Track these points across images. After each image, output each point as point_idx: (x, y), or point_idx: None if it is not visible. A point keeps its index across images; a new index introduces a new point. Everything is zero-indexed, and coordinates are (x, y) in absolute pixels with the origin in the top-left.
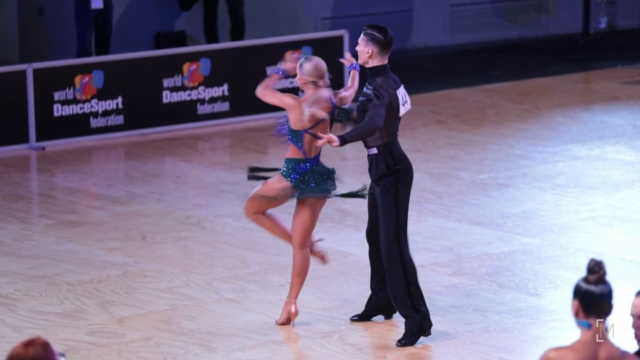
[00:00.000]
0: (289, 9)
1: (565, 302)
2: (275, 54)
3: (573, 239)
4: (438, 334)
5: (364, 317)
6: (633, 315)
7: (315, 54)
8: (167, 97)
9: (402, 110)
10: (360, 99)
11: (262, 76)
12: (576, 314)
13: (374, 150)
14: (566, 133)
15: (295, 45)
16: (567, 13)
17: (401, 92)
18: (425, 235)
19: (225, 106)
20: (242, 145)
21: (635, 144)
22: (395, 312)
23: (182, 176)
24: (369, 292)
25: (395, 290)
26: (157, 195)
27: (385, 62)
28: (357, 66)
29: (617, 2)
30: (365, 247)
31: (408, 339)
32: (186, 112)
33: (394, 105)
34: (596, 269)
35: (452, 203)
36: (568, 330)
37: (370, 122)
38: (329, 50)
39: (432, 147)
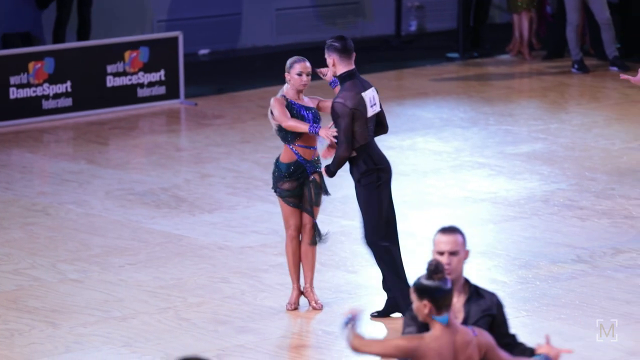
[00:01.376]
0: (130, 11)
1: (379, 278)
2: (115, 53)
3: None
4: (265, 308)
5: (382, 313)
6: (445, 252)
7: (152, 53)
8: (14, 93)
9: (370, 112)
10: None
11: (103, 73)
12: (429, 313)
13: (353, 153)
14: None
15: (135, 45)
16: (381, 17)
17: (369, 94)
18: (254, 219)
19: (68, 101)
20: (85, 138)
21: (442, 135)
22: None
23: (28, 166)
24: (202, 271)
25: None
26: (4, 184)
27: (351, 67)
28: (337, 82)
29: (425, 7)
30: (197, 230)
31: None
32: (32, 107)
33: (360, 109)
34: (440, 268)
35: None
36: (380, 304)
37: (338, 152)
38: (165, 49)
39: (260, 138)
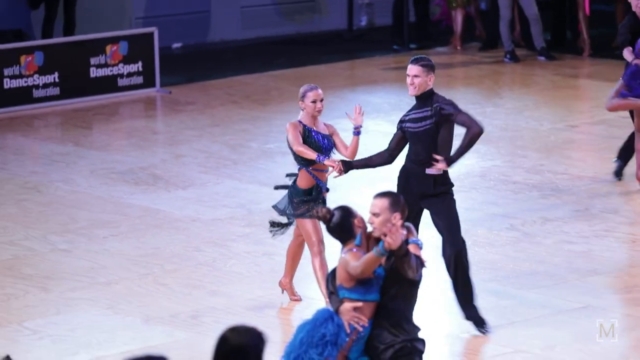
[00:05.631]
0: (110, 10)
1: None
2: (97, 47)
3: (342, 196)
4: (234, 274)
5: None
6: (370, 213)
7: (130, 46)
8: (8, 83)
9: None
10: (427, 115)
11: (87, 65)
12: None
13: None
14: (336, 110)
15: (115, 40)
16: (335, 12)
17: None
18: (223, 195)
19: (56, 90)
20: (71, 123)
21: (391, 118)
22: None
23: (20, 149)
24: (177, 241)
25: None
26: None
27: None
28: (359, 132)
29: (374, 4)
30: (172, 204)
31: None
32: (24, 96)
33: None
34: (318, 215)
35: (245, 168)
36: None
37: (473, 129)
38: (142, 43)
39: (228, 122)
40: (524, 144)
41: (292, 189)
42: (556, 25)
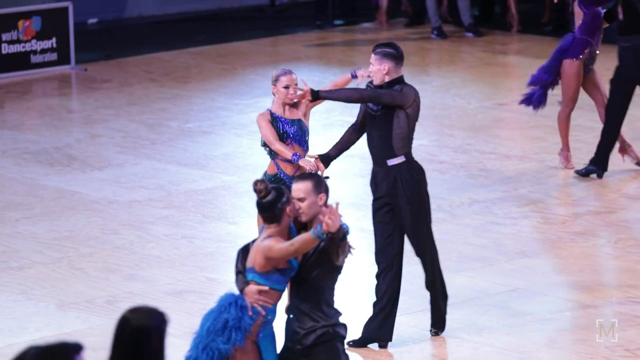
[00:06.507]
0: None
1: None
2: (9, 22)
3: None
4: (152, 257)
5: (357, 343)
6: (295, 199)
7: (44, 22)
8: (6, 48)
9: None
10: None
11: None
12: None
13: (402, 159)
14: (258, 88)
15: (27, 15)
16: None
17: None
18: (141, 176)
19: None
20: None
21: None
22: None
23: None
24: (93, 224)
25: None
26: None
27: (401, 73)
28: (355, 73)
29: None
30: (88, 186)
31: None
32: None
33: (418, 103)
34: (254, 189)
35: (164, 148)
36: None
37: (347, 91)
38: (56, 19)
39: (147, 101)
40: (451, 122)
41: (264, 176)
42: (484, 1)
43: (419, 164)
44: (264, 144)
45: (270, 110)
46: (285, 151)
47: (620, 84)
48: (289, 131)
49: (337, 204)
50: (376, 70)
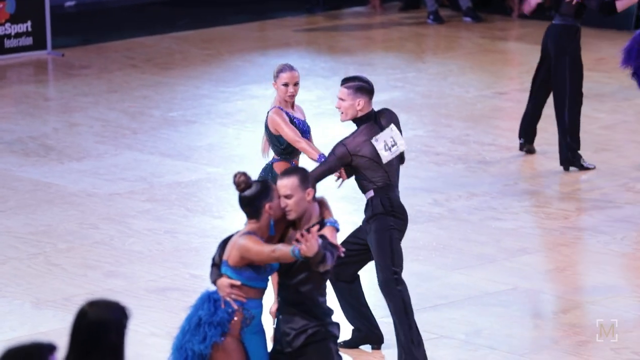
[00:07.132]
0: None
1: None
2: None
3: (248, 167)
4: (133, 253)
5: (348, 344)
6: (282, 196)
7: (18, 4)
8: None
9: (387, 156)
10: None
11: None
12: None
13: (371, 193)
14: (245, 75)
15: None
16: None
17: (384, 136)
18: (122, 167)
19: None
20: None
21: (305, 84)
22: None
23: None
24: (71, 217)
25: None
26: None
27: (371, 107)
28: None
29: None
30: (66, 178)
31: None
32: None
33: (365, 154)
34: (233, 181)
35: (146, 138)
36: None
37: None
38: (32, 1)
39: (127, 88)
40: (449, 112)
41: (271, 176)
42: None
43: (398, 203)
44: (278, 141)
45: (280, 107)
46: (312, 150)
47: None
48: (304, 127)
49: (316, 227)
50: (348, 105)
